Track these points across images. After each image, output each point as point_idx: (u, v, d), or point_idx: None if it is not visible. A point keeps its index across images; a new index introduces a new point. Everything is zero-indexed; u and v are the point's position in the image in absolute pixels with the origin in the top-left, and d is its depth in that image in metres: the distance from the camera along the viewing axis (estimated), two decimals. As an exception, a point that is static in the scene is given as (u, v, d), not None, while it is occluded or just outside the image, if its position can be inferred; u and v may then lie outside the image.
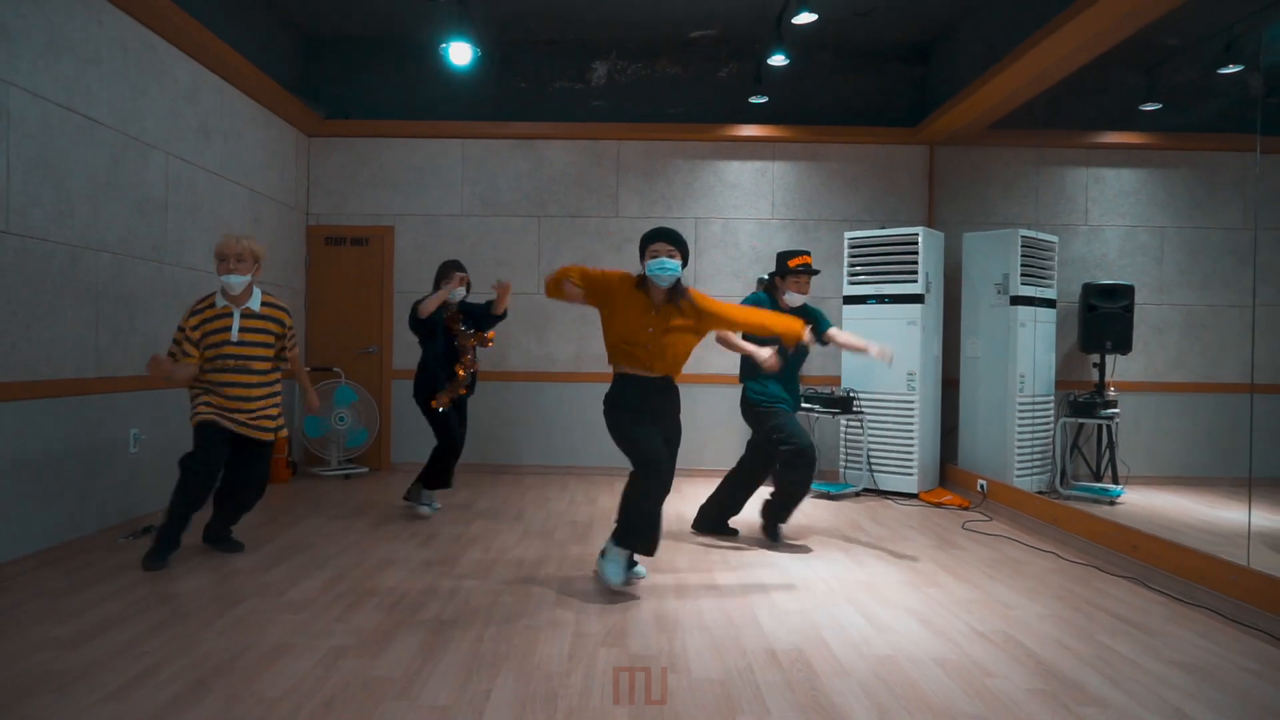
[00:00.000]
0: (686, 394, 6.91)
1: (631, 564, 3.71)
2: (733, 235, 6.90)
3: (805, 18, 5.43)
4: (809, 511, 5.41)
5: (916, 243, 6.07)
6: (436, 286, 4.90)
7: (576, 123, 6.88)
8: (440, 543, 4.39)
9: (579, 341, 6.90)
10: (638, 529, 3.50)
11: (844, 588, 3.67)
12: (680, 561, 4.08)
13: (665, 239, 3.52)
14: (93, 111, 4.19)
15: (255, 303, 3.88)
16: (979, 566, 4.06)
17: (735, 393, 6.89)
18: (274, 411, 4.00)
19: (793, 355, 4.42)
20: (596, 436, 6.86)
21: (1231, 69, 5.38)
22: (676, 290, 3.56)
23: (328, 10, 6.34)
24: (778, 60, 6.05)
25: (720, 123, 6.88)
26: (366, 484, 6.19)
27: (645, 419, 3.58)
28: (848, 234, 6.39)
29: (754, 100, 6.77)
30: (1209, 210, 6.49)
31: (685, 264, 3.57)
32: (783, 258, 4.49)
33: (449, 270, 4.88)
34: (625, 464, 6.83)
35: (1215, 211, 6.46)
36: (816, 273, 4.54)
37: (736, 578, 3.82)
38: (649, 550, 3.53)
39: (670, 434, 3.68)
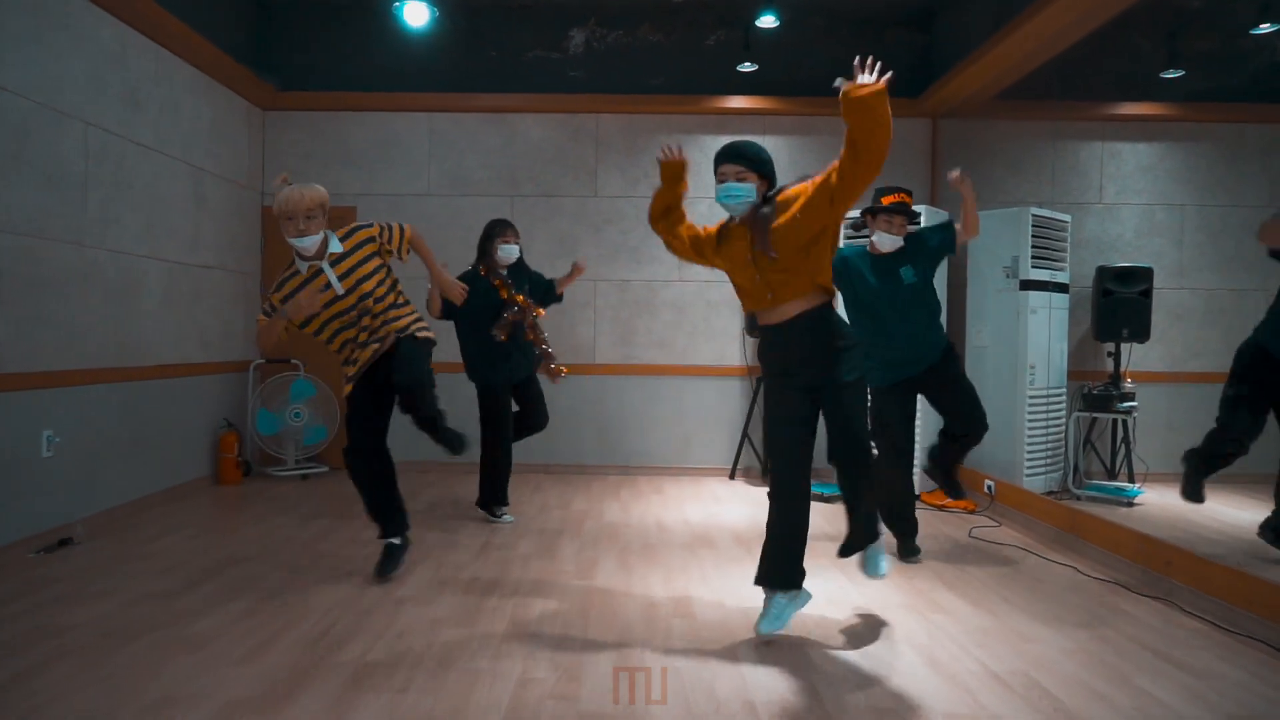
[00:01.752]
0: (674, 386, 6.49)
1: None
2: (720, 215, 6.39)
3: (797, -26, 4.94)
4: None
5: (919, 222, 5.60)
6: (483, 248, 4.54)
7: (552, 95, 6.37)
8: (389, 557, 3.93)
9: (555, 328, 6.42)
10: (768, 557, 2.92)
11: (837, 612, 3.22)
12: (654, 580, 3.63)
13: (730, 158, 2.90)
14: (-11, 74, 3.70)
15: (336, 244, 3.34)
16: (990, 585, 3.61)
17: (726, 385, 6.43)
18: (402, 313, 3.52)
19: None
20: (572, 430, 6.40)
21: (1265, 29, 4.90)
22: (760, 218, 2.88)
23: (279, -29, 5.83)
24: (767, 21, 5.54)
25: (707, 94, 6.37)
26: (325, 484, 5.74)
27: (780, 390, 2.92)
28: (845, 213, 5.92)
29: (742, 69, 6.27)
30: (1232, 187, 6.03)
31: (772, 185, 2.94)
32: (878, 194, 3.86)
33: (504, 230, 4.54)
34: (613, 463, 6.43)
35: (1239, 188, 6.00)
36: (915, 217, 3.86)
37: (716, 599, 3.37)
38: (776, 584, 2.89)
39: (811, 381, 2.89)
